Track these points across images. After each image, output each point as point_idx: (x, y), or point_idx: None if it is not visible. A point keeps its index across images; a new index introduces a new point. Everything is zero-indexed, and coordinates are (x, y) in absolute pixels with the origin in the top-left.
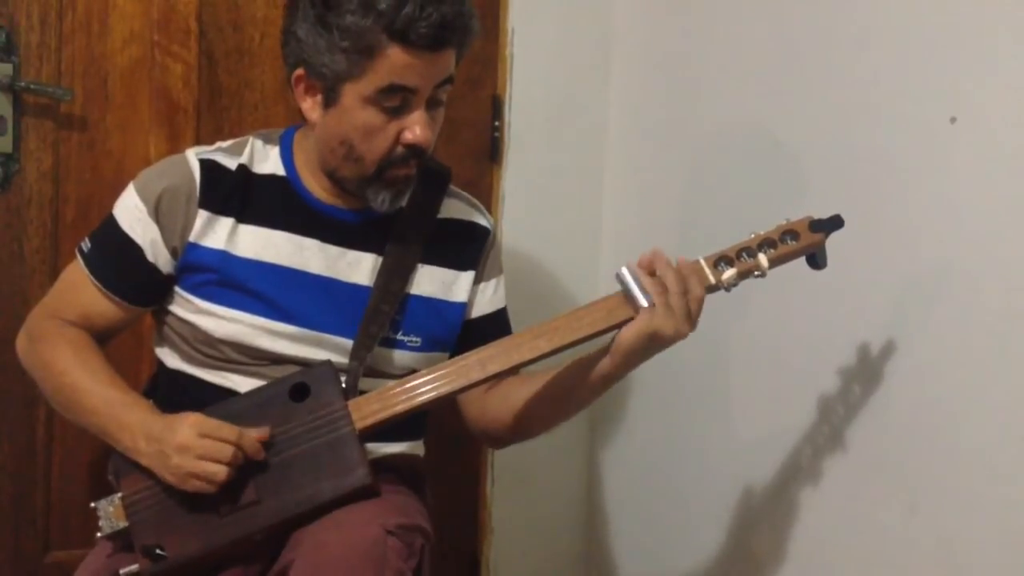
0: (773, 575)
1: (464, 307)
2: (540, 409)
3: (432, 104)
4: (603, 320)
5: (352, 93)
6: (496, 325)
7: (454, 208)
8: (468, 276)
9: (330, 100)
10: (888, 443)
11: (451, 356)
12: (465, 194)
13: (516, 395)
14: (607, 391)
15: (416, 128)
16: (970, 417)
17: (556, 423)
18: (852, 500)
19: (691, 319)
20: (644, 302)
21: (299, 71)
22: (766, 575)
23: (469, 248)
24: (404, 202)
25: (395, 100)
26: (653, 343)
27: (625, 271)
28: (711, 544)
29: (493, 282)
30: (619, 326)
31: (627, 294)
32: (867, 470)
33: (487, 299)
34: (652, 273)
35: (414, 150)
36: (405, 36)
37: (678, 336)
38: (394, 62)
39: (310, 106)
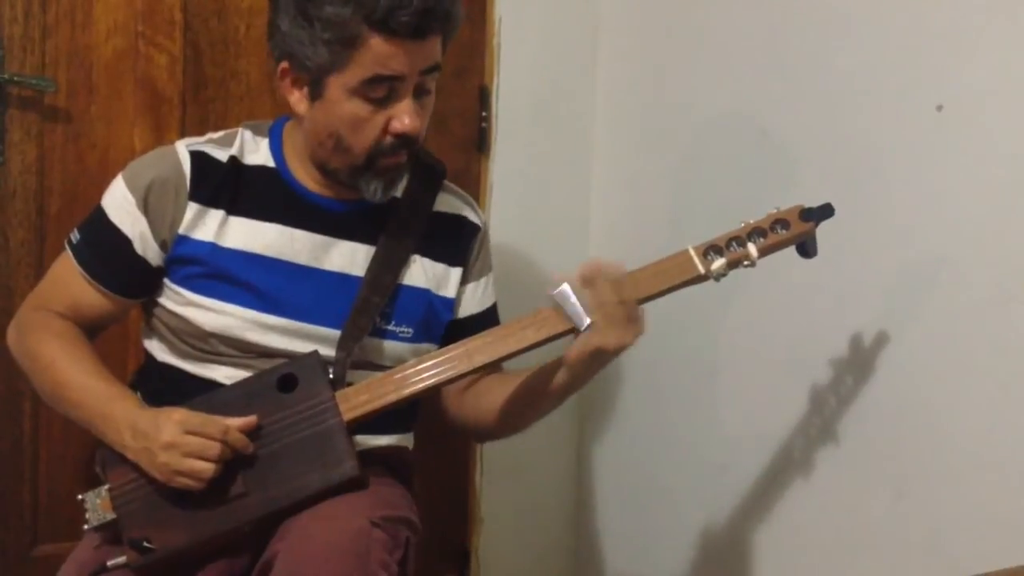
0: (762, 564)
1: (452, 303)
2: (510, 410)
3: (420, 92)
4: None
5: (337, 85)
6: (486, 323)
7: (446, 202)
8: (457, 272)
9: (316, 93)
10: (875, 431)
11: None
12: (459, 190)
13: (490, 394)
14: (571, 396)
15: (404, 117)
16: (957, 405)
17: (527, 424)
18: (840, 487)
19: (633, 325)
20: (583, 321)
21: (284, 64)
22: (755, 565)
23: (458, 243)
24: (398, 191)
25: (381, 91)
26: (599, 358)
27: (566, 287)
28: (699, 532)
29: (483, 281)
30: None
31: (567, 314)
32: (854, 457)
33: (476, 299)
34: (589, 286)
35: (403, 139)
36: (386, 25)
37: (621, 346)
38: (377, 52)
39: (297, 99)
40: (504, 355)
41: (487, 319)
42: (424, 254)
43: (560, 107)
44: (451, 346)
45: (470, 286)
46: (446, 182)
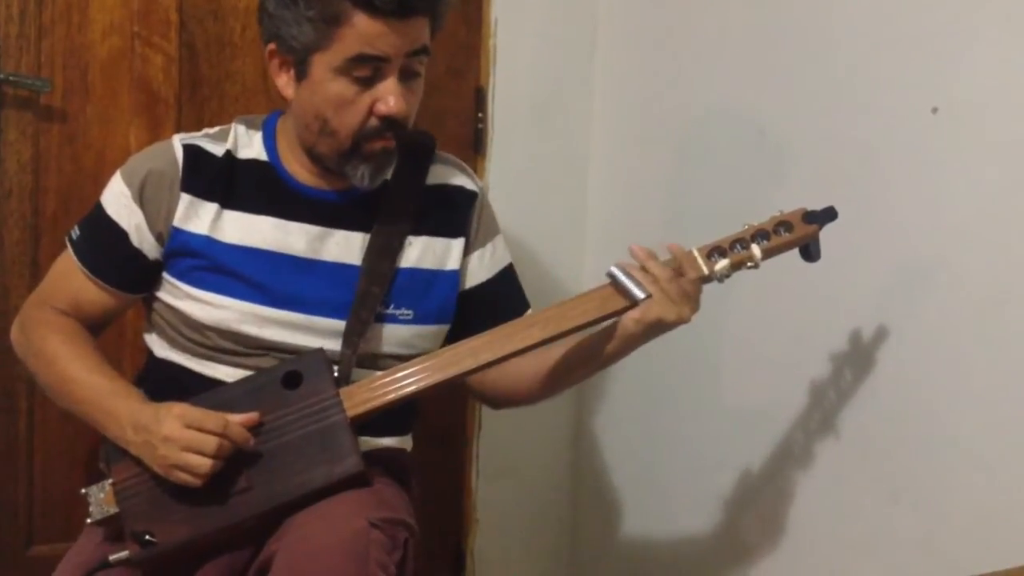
0: (757, 563)
1: (457, 275)
2: (551, 375)
3: (407, 75)
4: (596, 310)
5: (321, 64)
6: (500, 287)
7: (438, 174)
8: (459, 243)
9: (301, 73)
10: (871, 432)
11: (454, 327)
12: (452, 157)
13: (516, 367)
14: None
15: (389, 99)
16: (954, 405)
17: (554, 394)
18: (836, 487)
19: (690, 301)
20: (641, 294)
21: (271, 46)
22: (751, 564)
23: (457, 213)
24: (387, 176)
25: (365, 70)
26: (655, 330)
27: (615, 269)
28: (696, 533)
29: (489, 246)
30: (612, 316)
31: (622, 290)
32: (851, 458)
33: (484, 266)
34: (641, 268)
35: (388, 122)
36: (369, 2)
37: (680, 320)
38: (361, 30)
39: (285, 82)
40: (509, 352)
41: (501, 283)
42: (420, 233)
43: (557, 108)
44: (455, 344)
45: (475, 254)
46: (438, 152)
